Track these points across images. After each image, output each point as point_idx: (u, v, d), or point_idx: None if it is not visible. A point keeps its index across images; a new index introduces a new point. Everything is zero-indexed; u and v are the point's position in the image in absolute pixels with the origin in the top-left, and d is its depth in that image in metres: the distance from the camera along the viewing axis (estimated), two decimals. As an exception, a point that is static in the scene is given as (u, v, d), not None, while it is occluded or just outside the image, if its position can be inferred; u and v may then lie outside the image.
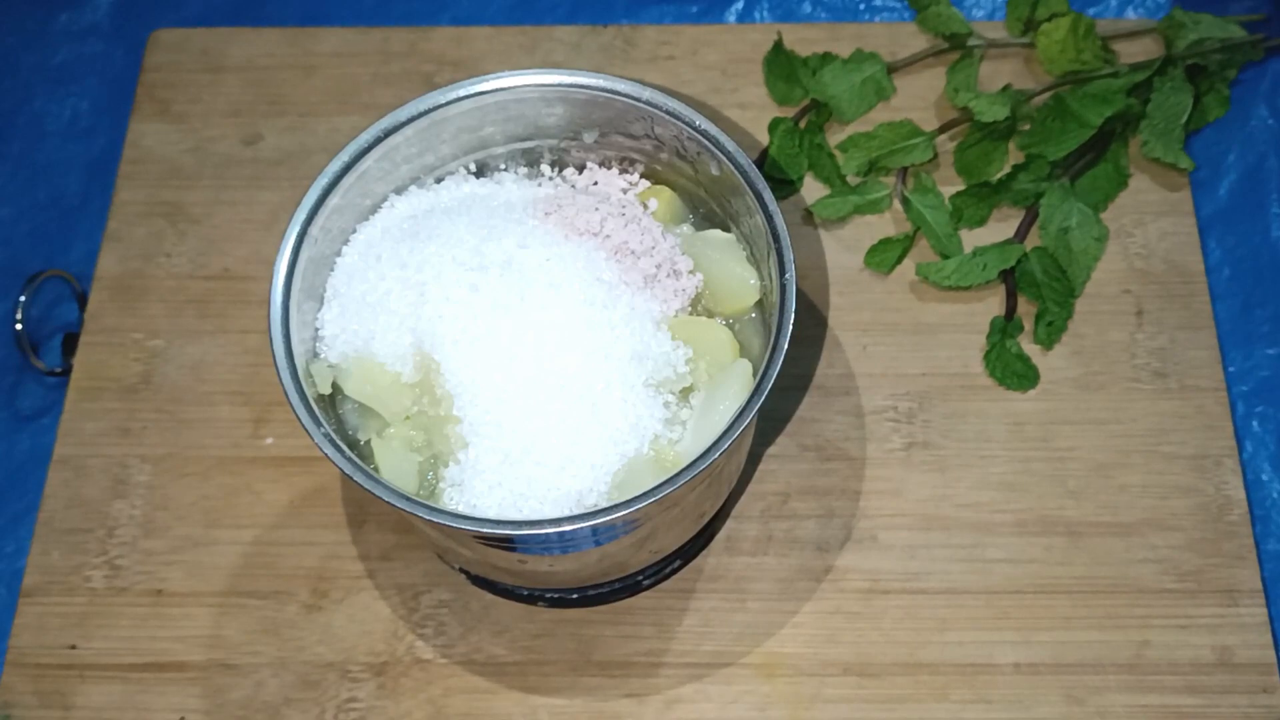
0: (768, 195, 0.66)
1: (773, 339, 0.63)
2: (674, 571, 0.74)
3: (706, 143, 0.68)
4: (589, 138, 0.72)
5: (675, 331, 0.67)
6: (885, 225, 0.83)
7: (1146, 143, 0.82)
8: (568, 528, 0.60)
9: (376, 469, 0.65)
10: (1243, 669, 0.71)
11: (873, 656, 0.71)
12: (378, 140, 0.68)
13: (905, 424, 0.77)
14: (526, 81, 0.69)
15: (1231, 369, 0.80)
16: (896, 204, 0.83)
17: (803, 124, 0.85)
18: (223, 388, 0.79)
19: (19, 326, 0.80)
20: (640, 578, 0.73)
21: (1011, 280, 0.80)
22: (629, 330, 0.65)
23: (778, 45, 0.86)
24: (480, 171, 0.73)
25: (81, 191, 0.87)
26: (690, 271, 0.69)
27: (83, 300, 0.82)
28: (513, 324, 0.64)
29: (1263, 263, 0.83)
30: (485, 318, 0.64)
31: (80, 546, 0.75)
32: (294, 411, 0.62)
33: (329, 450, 0.62)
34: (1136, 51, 0.86)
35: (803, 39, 0.88)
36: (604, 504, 0.63)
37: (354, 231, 0.70)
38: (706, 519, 0.70)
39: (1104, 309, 0.80)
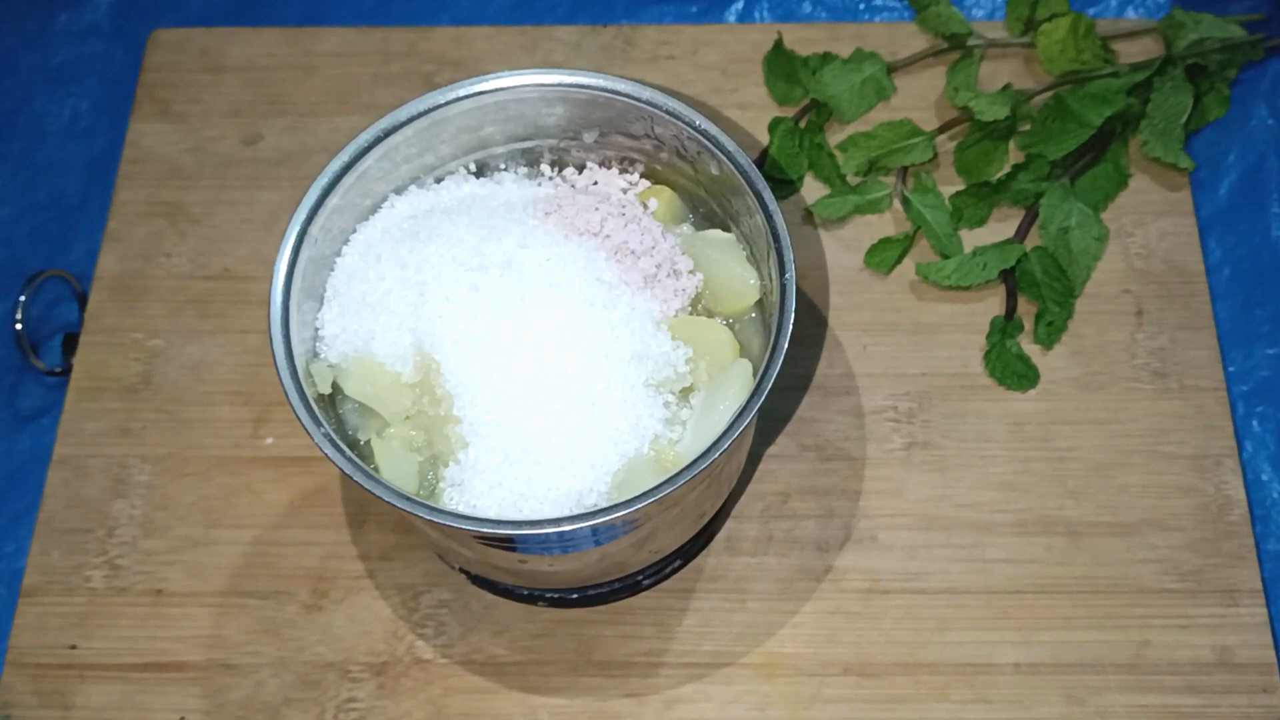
0: (768, 195, 0.66)
1: (773, 339, 0.63)
2: (674, 571, 0.74)
3: (706, 143, 0.68)
4: (589, 138, 0.72)
5: (675, 331, 0.67)
6: (885, 225, 0.83)
7: (1146, 143, 0.82)
8: (568, 528, 0.60)
9: (376, 469, 0.65)
10: (1243, 669, 0.71)
11: (873, 656, 0.71)
12: (378, 140, 0.68)
13: (905, 424, 0.77)
14: (526, 81, 0.69)
15: (1231, 369, 0.80)
16: (896, 204, 0.83)
17: (803, 124, 0.85)
18: (223, 388, 0.79)
19: (19, 326, 0.80)
20: (640, 578, 0.73)
21: (1011, 280, 0.80)
22: (629, 330, 0.65)
23: (778, 45, 0.86)
24: (480, 171, 0.73)
25: (81, 191, 0.87)
26: (690, 271, 0.69)
27: (83, 300, 0.82)
28: (513, 324, 0.64)
29: (1263, 263, 0.83)
30: (485, 318, 0.64)
31: (80, 546, 0.75)
32: (294, 411, 0.62)
33: (329, 450, 0.62)
34: (1136, 51, 0.86)
35: (803, 39, 0.88)
36: (604, 504, 0.63)
37: (354, 231, 0.70)
38: (706, 519, 0.70)
39: (1104, 309, 0.80)
